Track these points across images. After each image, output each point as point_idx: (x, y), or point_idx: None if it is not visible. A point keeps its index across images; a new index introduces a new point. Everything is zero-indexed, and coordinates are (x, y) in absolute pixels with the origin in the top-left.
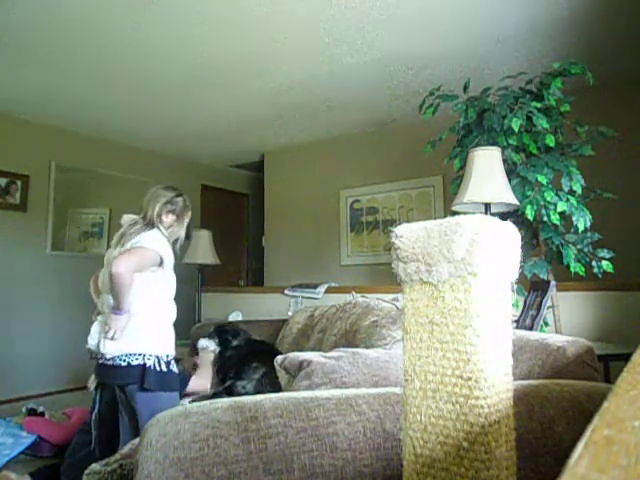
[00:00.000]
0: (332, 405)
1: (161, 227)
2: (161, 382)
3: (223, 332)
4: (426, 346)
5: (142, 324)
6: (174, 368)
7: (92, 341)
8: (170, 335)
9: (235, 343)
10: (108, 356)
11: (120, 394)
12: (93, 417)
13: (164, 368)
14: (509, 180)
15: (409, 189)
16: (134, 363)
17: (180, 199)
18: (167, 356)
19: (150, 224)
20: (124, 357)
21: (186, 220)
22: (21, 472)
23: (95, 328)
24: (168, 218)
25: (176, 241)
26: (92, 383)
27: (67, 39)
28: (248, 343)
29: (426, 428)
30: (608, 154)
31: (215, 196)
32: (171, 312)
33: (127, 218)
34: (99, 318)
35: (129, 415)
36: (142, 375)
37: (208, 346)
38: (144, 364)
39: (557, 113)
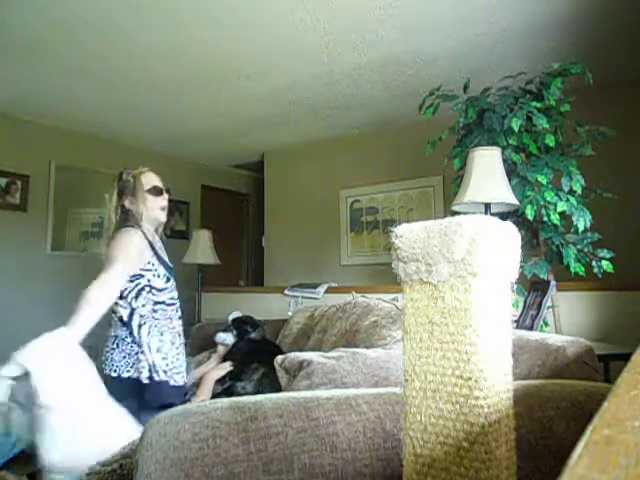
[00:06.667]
0: (332, 405)
1: (131, 218)
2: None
3: (242, 323)
4: (426, 346)
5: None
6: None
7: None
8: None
9: (252, 336)
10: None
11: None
12: None
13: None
14: (509, 180)
15: (409, 189)
16: (124, 376)
17: (128, 178)
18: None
19: (128, 224)
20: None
21: (141, 191)
22: (21, 472)
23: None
24: (129, 203)
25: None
26: None
27: (67, 39)
28: (260, 341)
29: (426, 428)
30: (608, 154)
31: (215, 196)
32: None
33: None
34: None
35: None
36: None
37: (226, 339)
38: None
39: (557, 113)
